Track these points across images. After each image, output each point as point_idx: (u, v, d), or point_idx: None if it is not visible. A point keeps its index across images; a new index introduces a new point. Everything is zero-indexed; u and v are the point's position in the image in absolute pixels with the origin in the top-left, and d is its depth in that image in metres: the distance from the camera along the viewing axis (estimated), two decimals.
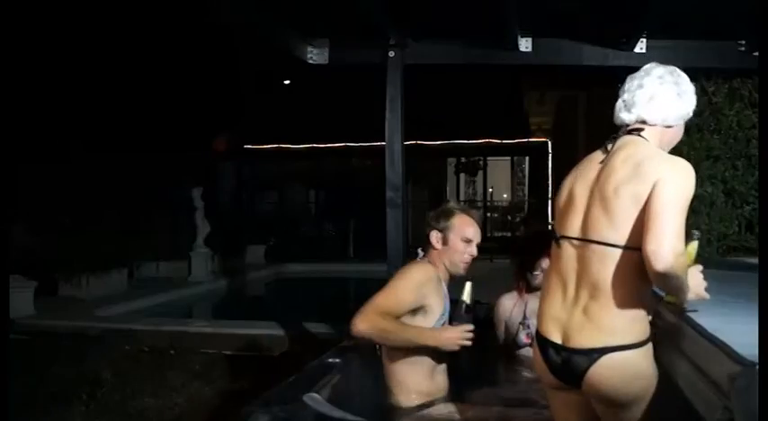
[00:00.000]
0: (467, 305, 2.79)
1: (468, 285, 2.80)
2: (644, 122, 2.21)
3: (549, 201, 15.06)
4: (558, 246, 2.20)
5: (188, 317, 8.23)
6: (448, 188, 20.40)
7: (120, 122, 12.20)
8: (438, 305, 2.83)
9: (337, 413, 2.11)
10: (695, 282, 2.24)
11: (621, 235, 2.02)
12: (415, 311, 2.80)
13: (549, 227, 12.20)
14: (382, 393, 2.89)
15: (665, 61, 4.19)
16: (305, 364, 2.80)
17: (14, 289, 6.91)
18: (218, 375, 5.19)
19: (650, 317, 2.12)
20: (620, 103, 2.27)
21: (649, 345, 2.08)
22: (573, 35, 4.11)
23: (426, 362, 2.82)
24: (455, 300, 2.89)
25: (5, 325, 2.51)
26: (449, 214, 2.96)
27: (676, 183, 2.00)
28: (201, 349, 5.99)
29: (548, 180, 15.52)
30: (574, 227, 2.15)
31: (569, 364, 2.09)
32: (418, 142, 14.58)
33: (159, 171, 12.06)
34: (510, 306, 3.64)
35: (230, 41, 9.43)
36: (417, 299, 2.79)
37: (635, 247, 1.96)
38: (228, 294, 10.38)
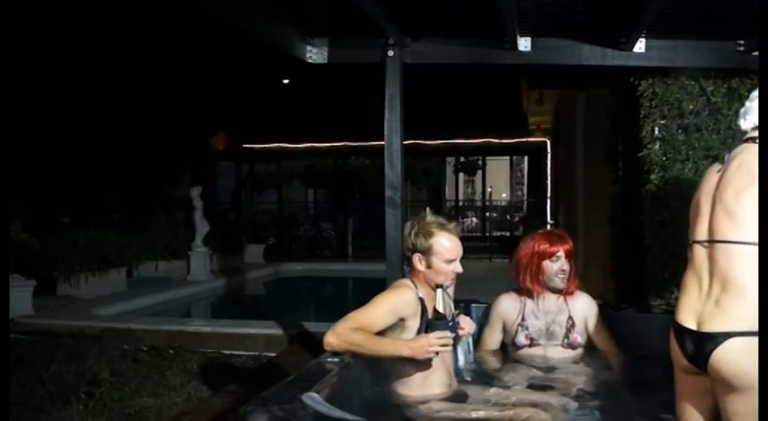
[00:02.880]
0: (439, 312, 2.78)
1: (438, 292, 2.80)
2: (756, 128, 2.37)
3: (548, 201, 15.08)
4: (691, 249, 2.44)
5: (187, 317, 8.23)
6: (447, 187, 20.42)
7: (121, 122, 12.20)
8: (416, 323, 2.83)
9: (336, 412, 2.10)
10: None
11: (744, 233, 2.22)
12: (393, 327, 2.82)
13: (549, 226, 12.17)
14: (381, 392, 2.89)
15: (663, 61, 4.23)
16: (303, 364, 2.80)
17: (13, 288, 6.92)
18: (217, 375, 5.19)
19: None
20: (741, 111, 2.44)
21: None
22: (572, 35, 4.11)
23: (423, 360, 2.82)
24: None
25: (5, 325, 2.50)
26: (428, 234, 2.90)
27: None
28: (200, 348, 5.99)
29: (546, 179, 15.52)
30: (702, 231, 2.39)
31: (699, 348, 2.28)
32: (417, 141, 14.58)
33: (158, 170, 12.09)
34: (508, 306, 3.63)
35: (230, 40, 9.42)
36: (392, 320, 2.80)
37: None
38: (227, 294, 10.39)
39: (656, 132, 4.82)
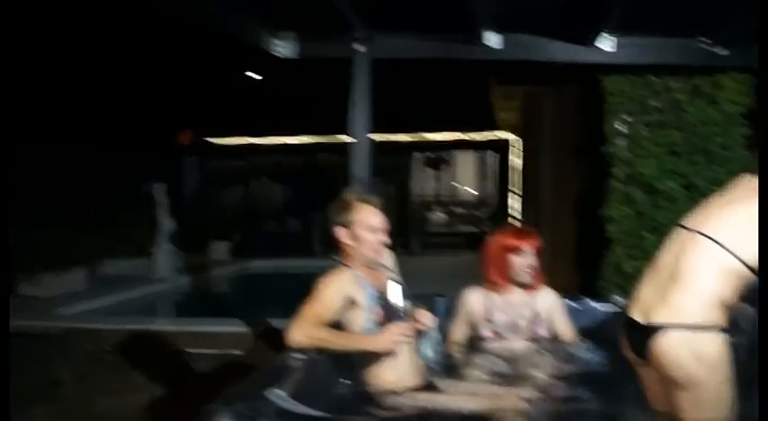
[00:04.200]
0: (396, 304, 2.82)
1: (395, 286, 2.83)
2: None
3: (516, 196, 15.16)
4: (675, 232, 2.54)
5: (152, 316, 8.11)
6: (413, 183, 20.44)
7: (81, 117, 12.00)
8: (362, 298, 2.86)
9: (301, 409, 2.09)
10: None
11: (722, 237, 2.27)
12: (344, 308, 2.83)
13: (515, 221, 12.25)
14: (347, 387, 2.89)
15: (630, 58, 4.27)
16: (269, 361, 2.78)
17: None
18: (182, 373, 5.13)
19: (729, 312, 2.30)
20: None
21: (718, 334, 2.24)
22: (540, 31, 4.13)
23: (389, 353, 2.82)
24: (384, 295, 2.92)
25: (5, 324, 2.51)
26: (350, 207, 2.96)
27: None
28: (165, 347, 5.92)
29: (514, 175, 15.60)
30: (694, 219, 2.47)
31: (641, 339, 2.33)
32: (384, 137, 14.57)
33: (121, 167, 11.90)
34: (475, 300, 3.65)
35: (197, 34, 9.32)
36: (342, 300, 2.82)
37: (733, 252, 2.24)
38: (193, 291, 10.25)
39: (621, 128, 4.88)
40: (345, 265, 2.98)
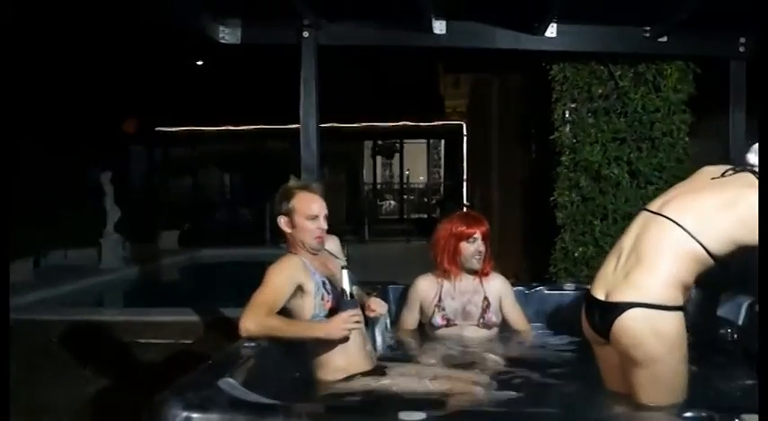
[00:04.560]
0: (346, 291, 2.83)
1: (344, 272, 2.85)
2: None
3: (465, 183, 15.29)
4: (637, 215, 2.61)
5: (100, 306, 7.98)
6: (364, 171, 20.44)
7: (24, 106, 11.68)
8: (310, 285, 2.88)
9: (253, 397, 2.09)
10: None
11: (690, 224, 2.35)
12: (293, 296, 2.84)
13: (465, 208, 12.38)
14: (299, 373, 2.91)
15: (573, 45, 4.33)
16: (221, 350, 2.76)
17: None
18: (132, 364, 5.07)
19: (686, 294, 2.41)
20: (754, 146, 2.56)
21: (677, 314, 2.34)
22: (486, 19, 4.15)
23: (340, 340, 2.84)
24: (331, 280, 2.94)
25: (5, 323, 2.41)
26: (289, 195, 2.97)
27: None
28: (114, 338, 5.84)
29: (463, 162, 15.73)
30: (658, 203, 2.54)
31: (604, 317, 2.40)
32: (334, 125, 14.52)
33: (66, 157, 11.64)
34: (426, 287, 3.68)
35: (140, 20, 9.14)
36: (292, 287, 2.83)
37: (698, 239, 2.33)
38: (141, 281, 10.11)
39: (567, 115, 4.96)
40: (293, 253, 2.98)
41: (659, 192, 4.63)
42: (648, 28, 4.15)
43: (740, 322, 3.40)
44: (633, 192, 4.77)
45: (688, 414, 1.92)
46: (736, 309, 3.44)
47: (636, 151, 4.79)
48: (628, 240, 2.51)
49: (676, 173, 4.72)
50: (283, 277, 2.84)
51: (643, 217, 2.55)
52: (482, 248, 3.59)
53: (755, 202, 2.32)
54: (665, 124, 4.75)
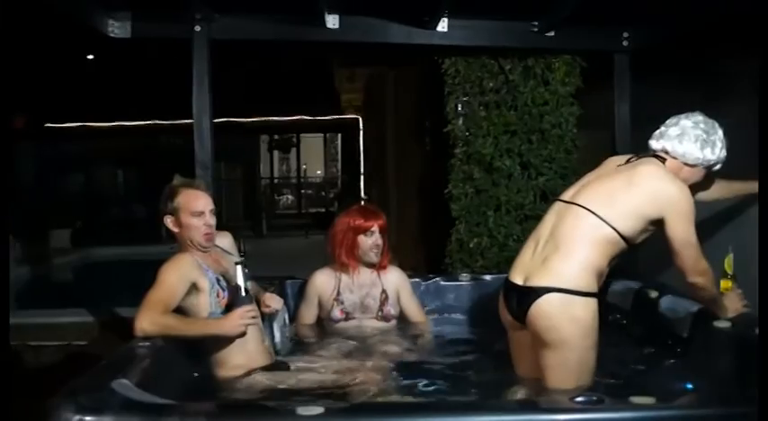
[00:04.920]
0: (241, 287, 2.81)
1: (238, 268, 2.83)
2: (666, 153, 2.67)
3: (362, 176, 15.35)
4: (552, 206, 2.75)
5: None
6: (261, 165, 20.22)
7: None
8: (204, 282, 2.85)
9: (147, 397, 2.04)
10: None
11: (604, 212, 2.50)
12: (188, 294, 2.81)
13: (363, 202, 12.41)
14: (197, 371, 2.87)
15: (464, 40, 4.40)
16: (115, 351, 2.69)
17: None
18: (22, 368, 4.86)
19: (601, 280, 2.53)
20: (656, 132, 2.73)
21: (592, 300, 2.44)
22: (379, 13, 4.16)
23: (236, 336, 2.82)
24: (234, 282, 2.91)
25: (5, 322, 2.46)
26: (173, 194, 2.94)
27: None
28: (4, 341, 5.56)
29: (359, 156, 15.78)
30: (571, 193, 2.68)
31: (521, 302, 2.50)
32: (230, 119, 14.28)
33: None
34: (324, 281, 3.68)
35: (26, 13, 8.70)
36: (185, 286, 2.80)
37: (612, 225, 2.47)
38: (32, 282, 9.68)
39: (460, 109, 5.03)
40: (184, 252, 2.93)
41: (550, 182, 4.84)
42: (536, 23, 4.25)
43: (628, 307, 3.57)
44: (525, 183, 4.90)
45: (580, 398, 1.99)
46: (625, 295, 3.61)
47: (526, 143, 4.91)
48: (544, 230, 2.62)
49: (565, 163, 4.88)
50: (176, 275, 2.79)
51: (557, 207, 2.68)
52: (380, 242, 3.62)
53: (656, 176, 2.53)
54: (554, 116, 4.89)
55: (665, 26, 4.06)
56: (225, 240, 3.20)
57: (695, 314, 2.98)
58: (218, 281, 2.88)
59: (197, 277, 2.83)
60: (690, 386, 2.65)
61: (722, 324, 2.76)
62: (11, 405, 2.17)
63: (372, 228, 3.60)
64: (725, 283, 2.89)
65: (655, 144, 2.71)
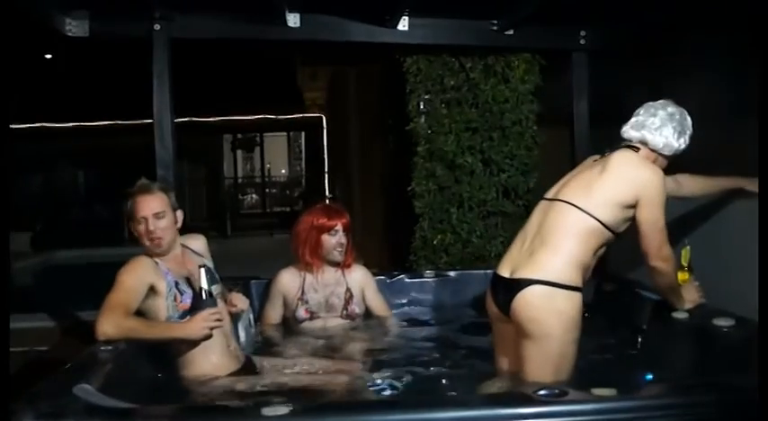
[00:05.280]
0: (204, 290, 2.80)
1: (202, 271, 2.82)
2: (645, 144, 2.71)
3: (326, 175, 15.33)
4: (537, 205, 2.79)
5: None
6: (225, 165, 20.09)
7: None
8: (162, 286, 2.84)
9: (110, 402, 2.03)
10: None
11: (587, 205, 2.56)
12: (146, 297, 2.80)
13: (327, 200, 12.40)
14: (161, 374, 2.84)
15: (425, 38, 4.43)
16: (77, 355, 2.66)
17: None
18: None
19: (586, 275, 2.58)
20: (632, 122, 2.76)
21: (576, 294, 2.49)
22: (340, 12, 4.17)
23: (201, 339, 2.79)
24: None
25: (5, 321, 2.43)
26: (127, 199, 2.95)
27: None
28: None
29: (323, 154, 15.75)
30: (555, 190, 2.74)
31: (507, 293, 2.54)
32: (192, 119, 14.16)
33: None
34: (288, 281, 3.68)
35: None
36: (144, 288, 2.79)
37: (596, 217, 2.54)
38: None
39: (421, 107, 5.05)
40: (146, 254, 2.92)
41: (511, 178, 4.90)
42: (496, 22, 4.29)
43: (588, 301, 3.62)
44: (487, 180, 4.94)
45: (542, 391, 2.02)
46: (586, 289, 3.66)
47: (488, 140, 4.95)
48: (531, 227, 2.68)
49: (526, 160, 4.93)
50: (134, 277, 2.78)
51: (542, 205, 2.74)
52: (343, 240, 3.63)
53: (630, 163, 2.61)
54: (515, 114, 4.93)
55: (622, 26, 4.14)
56: (197, 242, 3.19)
57: (654, 306, 3.04)
58: (176, 284, 2.86)
59: (154, 280, 2.82)
60: (650, 376, 2.71)
61: (680, 315, 2.83)
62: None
63: (336, 227, 3.60)
64: (682, 276, 2.97)
65: (632, 133, 2.74)
